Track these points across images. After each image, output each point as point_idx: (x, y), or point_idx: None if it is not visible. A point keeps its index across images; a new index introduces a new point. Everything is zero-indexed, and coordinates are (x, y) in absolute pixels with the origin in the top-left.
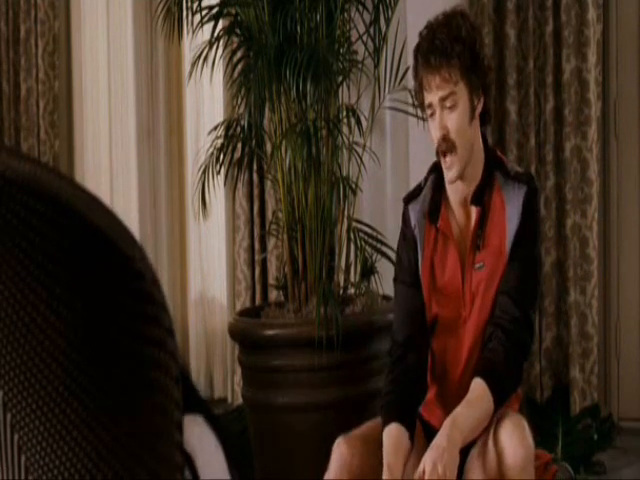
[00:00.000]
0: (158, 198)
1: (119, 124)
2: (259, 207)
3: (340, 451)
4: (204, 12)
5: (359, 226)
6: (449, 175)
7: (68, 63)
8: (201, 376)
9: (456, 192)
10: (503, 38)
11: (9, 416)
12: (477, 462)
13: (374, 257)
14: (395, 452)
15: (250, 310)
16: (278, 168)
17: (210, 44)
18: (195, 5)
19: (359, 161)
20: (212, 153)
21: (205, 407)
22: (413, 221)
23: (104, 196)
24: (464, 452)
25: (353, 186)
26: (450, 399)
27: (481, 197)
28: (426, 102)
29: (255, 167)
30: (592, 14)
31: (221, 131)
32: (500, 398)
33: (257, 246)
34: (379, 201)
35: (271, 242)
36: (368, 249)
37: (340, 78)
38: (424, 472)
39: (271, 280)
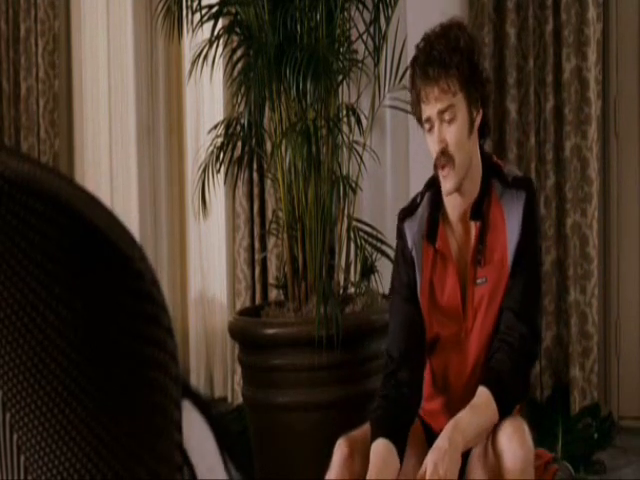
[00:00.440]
0: (158, 197)
1: (119, 123)
2: (259, 206)
3: (341, 452)
4: (204, 11)
5: (359, 225)
6: (446, 186)
7: (68, 62)
8: (201, 375)
9: (454, 207)
10: (503, 37)
11: (8, 416)
12: (478, 464)
13: (374, 256)
14: (379, 470)
15: (250, 309)
16: (278, 167)
17: (210, 43)
18: (195, 4)
19: (359, 160)
20: (212, 152)
21: (193, 393)
22: (410, 241)
23: (104, 195)
24: (465, 454)
25: (353, 185)
26: (455, 411)
27: (480, 211)
28: (424, 116)
29: (255, 166)
30: (592, 13)
31: (221, 130)
32: (505, 407)
33: (257, 245)
34: (379, 200)
35: (271, 241)
36: (368, 248)
37: (340, 77)
38: (425, 473)
39: (271, 279)
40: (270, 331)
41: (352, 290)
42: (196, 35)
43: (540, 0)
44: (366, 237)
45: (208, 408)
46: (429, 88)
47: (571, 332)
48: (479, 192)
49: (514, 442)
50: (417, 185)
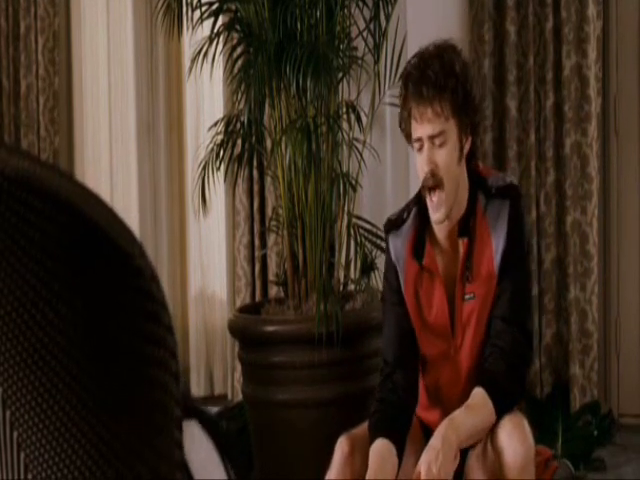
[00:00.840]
0: (158, 194)
1: (119, 120)
2: (259, 203)
3: (342, 450)
4: (204, 8)
5: (359, 222)
6: (436, 216)
7: (68, 59)
8: (201, 373)
9: (440, 229)
10: (503, 35)
11: (8, 413)
12: (477, 462)
13: (374, 253)
14: (378, 468)
15: (250, 306)
16: (278, 164)
17: (210, 40)
18: (195, 1)
19: (359, 157)
20: (212, 149)
21: (199, 411)
22: (393, 256)
23: (104, 192)
24: (464, 452)
25: (353, 182)
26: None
27: (467, 228)
28: (415, 135)
29: (255, 163)
30: (592, 10)
31: (221, 127)
32: (501, 407)
33: (257, 242)
34: (379, 197)
35: (271, 238)
36: (368, 245)
37: (340, 74)
38: (420, 473)
39: (271, 276)
40: (270, 328)
41: (352, 287)
42: (196, 32)
43: None
44: (366, 234)
45: (216, 427)
46: (422, 108)
47: (571, 330)
48: (466, 210)
49: (514, 439)
50: (417, 182)
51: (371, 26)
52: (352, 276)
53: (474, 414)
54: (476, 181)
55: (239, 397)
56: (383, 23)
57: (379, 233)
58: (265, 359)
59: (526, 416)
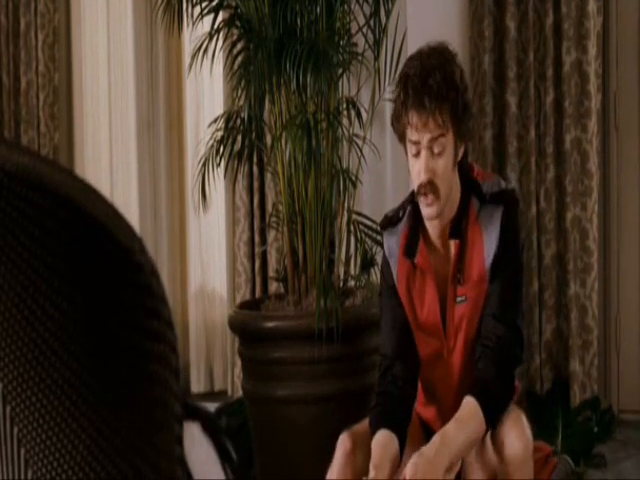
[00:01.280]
0: (158, 191)
1: (119, 117)
2: (259, 199)
3: (344, 447)
4: (204, 4)
5: (359, 218)
6: (428, 212)
7: (68, 56)
8: (201, 369)
9: (433, 227)
10: (503, 30)
11: (8, 409)
12: (476, 457)
13: (374, 249)
14: (381, 454)
15: (250, 302)
16: (278, 160)
17: (210, 36)
18: None
19: (359, 153)
20: (212, 145)
21: (197, 408)
22: (387, 253)
23: (104, 189)
24: None
25: (353, 178)
26: (448, 419)
27: (459, 230)
28: (412, 138)
29: (255, 159)
30: (592, 6)
31: (221, 123)
32: (492, 415)
33: (257, 239)
34: (379, 193)
35: (271, 235)
36: (368, 241)
37: (340, 70)
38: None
39: (271, 272)
40: (270, 324)
41: (352, 283)
42: (196, 28)
43: None
44: (366, 230)
45: (213, 424)
46: (423, 118)
47: (571, 326)
48: (458, 211)
49: (513, 433)
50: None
51: (371, 22)
52: (352, 272)
53: (465, 427)
54: (470, 185)
55: (239, 393)
56: (383, 19)
57: (379, 229)
58: (265, 355)
59: (526, 412)
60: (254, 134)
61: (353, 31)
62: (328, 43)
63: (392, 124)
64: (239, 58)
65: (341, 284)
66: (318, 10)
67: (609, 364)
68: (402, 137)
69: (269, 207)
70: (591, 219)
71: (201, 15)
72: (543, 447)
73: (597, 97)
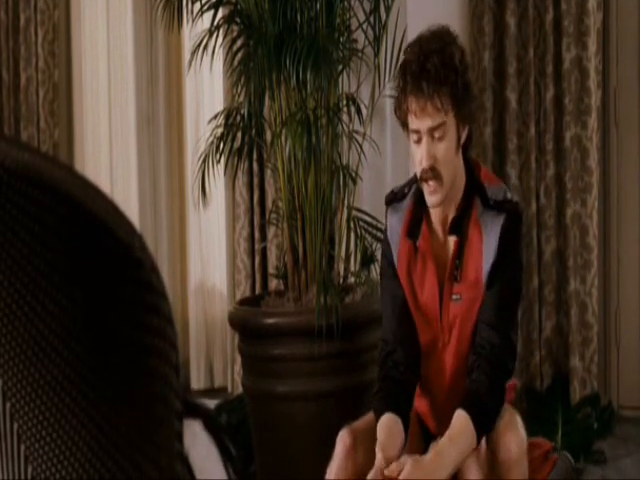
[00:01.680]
0: (158, 187)
1: (119, 113)
2: (259, 196)
3: (344, 443)
4: (204, 0)
5: (359, 215)
6: (432, 199)
7: (68, 52)
8: (201, 365)
9: (435, 213)
10: (503, 27)
11: (8, 405)
12: (471, 458)
13: (374, 246)
14: (388, 434)
15: (250, 299)
16: (278, 157)
17: (210, 33)
18: None
19: (359, 150)
20: (212, 142)
21: (196, 405)
22: (389, 229)
23: (104, 185)
24: None
25: (353, 175)
26: (439, 415)
27: (459, 227)
28: (412, 126)
29: (255, 156)
30: (592, 3)
31: (221, 120)
32: (484, 428)
33: (257, 235)
34: (379, 190)
35: (271, 231)
36: (368, 238)
37: (340, 66)
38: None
39: (271, 269)
40: (270, 321)
41: (352, 280)
42: (196, 25)
43: None
44: (366, 227)
45: (213, 421)
46: (422, 102)
47: (571, 322)
48: (460, 208)
49: (507, 433)
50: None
51: (371, 19)
52: (352, 269)
53: (458, 444)
54: (475, 185)
55: (239, 390)
56: (383, 16)
57: (379, 225)
58: (265, 351)
59: (526, 408)
60: (254, 130)
61: (353, 27)
62: (328, 39)
63: (395, 112)
64: (239, 54)
65: (341, 281)
66: (318, 6)
67: (609, 360)
68: (404, 124)
69: (269, 203)
70: (591, 215)
71: (201, 11)
72: (543, 443)
73: (597, 94)
